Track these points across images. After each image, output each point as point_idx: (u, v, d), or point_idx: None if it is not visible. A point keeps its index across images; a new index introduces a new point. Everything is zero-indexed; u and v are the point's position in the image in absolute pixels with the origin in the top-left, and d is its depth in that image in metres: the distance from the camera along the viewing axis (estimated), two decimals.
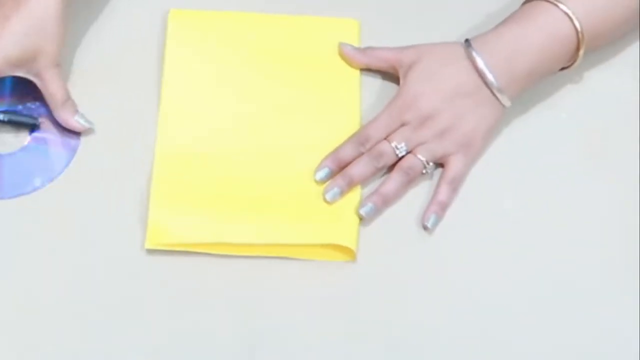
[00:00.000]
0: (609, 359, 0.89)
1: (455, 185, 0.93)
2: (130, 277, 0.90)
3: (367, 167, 0.93)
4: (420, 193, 0.95)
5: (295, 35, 1.00)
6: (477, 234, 0.93)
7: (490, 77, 0.92)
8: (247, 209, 0.92)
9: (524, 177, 0.96)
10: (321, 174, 0.93)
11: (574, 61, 0.95)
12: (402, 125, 0.93)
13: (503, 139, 0.97)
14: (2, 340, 0.88)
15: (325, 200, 0.93)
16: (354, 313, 0.90)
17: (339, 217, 0.92)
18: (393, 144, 0.92)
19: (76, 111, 0.94)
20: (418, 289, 0.91)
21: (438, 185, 0.93)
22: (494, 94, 0.93)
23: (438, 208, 0.93)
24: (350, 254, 0.91)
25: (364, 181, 0.93)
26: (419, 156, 0.93)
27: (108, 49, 0.99)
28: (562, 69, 0.96)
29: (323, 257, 0.91)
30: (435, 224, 0.93)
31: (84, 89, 0.97)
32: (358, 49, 0.98)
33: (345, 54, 0.98)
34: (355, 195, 0.93)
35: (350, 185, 0.93)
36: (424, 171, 0.93)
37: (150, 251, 0.91)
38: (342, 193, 0.93)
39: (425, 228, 0.92)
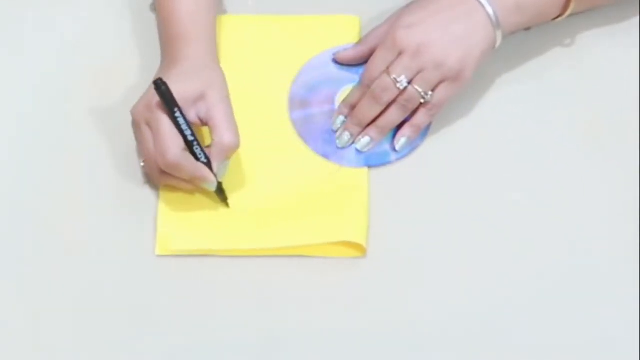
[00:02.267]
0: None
1: (435, 112, 0.95)
2: (141, 281, 0.91)
3: (373, 106, 0.95)
4: (429, 190, 0.95)
5: (296, 35, 1.00)
6: (486, 227, 0.94)
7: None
8: (255, 212, 0.93)
9: (530, 169, 0.96)
10: (338, 122, 0.96)
11: (568, 7, 0.96)
12: (400, 54, 0.93)
13: (508, 132, 0.98)
14: (13, 345, 0.89)
15: (337, 146, 0.95)
16: (365, 309, 0.91)
17: (348, 214, 0.93)
18: (393, 77, 0.93)
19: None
20: (428, 284, 0.92)
21: (417, 110, 0.94)
22: (488, 17, 0.92)
23: (411, 131, 0.95)
24: (360, 249, 0.92)
25: (371, 121, 0.95)
26: (417, 87, 0.93)
27: (114, 50, 1.00)
28: (556, 18, 0.97)
29: (333, 254, 0.92)
30: (405, 146, 0.95)
31: (91, 93, 0.98)
32: (353, 48, 0.98)
33: (346, 59, 0.99)
34: (362, 192, 0.94)
35: (360, 126, 0.95)
36: (422, 100, 0.94)
37: (161, 255, 0.92)
38: (354, 136, 0.95)
39: (394, 149, 0.95)
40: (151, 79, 0.97)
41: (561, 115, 0.98)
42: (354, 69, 0.98)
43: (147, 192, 0.94)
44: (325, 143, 0.96)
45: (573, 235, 0.93)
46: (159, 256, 0.91)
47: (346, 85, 0.98)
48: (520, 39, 0.99)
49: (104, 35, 1.01)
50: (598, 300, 0.91)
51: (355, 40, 1.00)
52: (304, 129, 0.97)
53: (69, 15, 1.02)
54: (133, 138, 0.94)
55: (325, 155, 0.96)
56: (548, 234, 0.93)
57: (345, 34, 1.01)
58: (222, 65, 0.98)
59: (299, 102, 0.98)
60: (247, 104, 0.97)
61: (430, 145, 0.97)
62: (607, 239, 0.93)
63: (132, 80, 0.99)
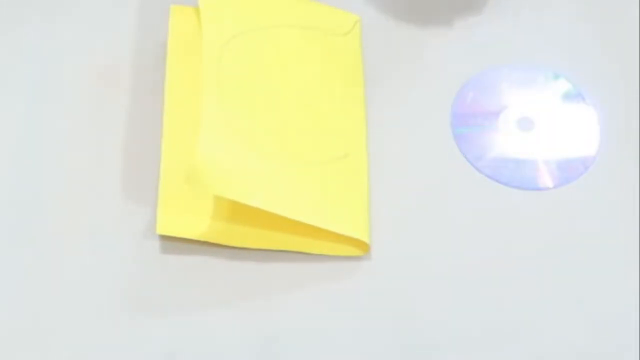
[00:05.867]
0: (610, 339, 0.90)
1: None
2: (140, 274, 0.91)
3: None
4: (432, 185, 0.95)
5: (296, 24, 1.00)
6: (488, 227, 0.93)
7: None
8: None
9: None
10: None
11: None
12: None
13: None
14: (9, 333, 0.89)
15: None
16: (370, 309, 0.90)
17: (350, 209, 0.92)
18: None
19: None
20: (434, 284, 0.91)
21: None
22: None
23: None
24: (363, 247, 0.92)
25: None
26: None
27: (113, 44, 1.00)
28: None
29: (334, 252, 0.92)
30: None
31: (90, 85, 0.98)
32: None
33: None
34: (362, 190, 0.94)
35: None
36: None
37: (162, 249, 0.92)
38: None
39: None
40: (155, 78, 0.98)
41: None
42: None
43: (149, 191, 0.94)
44: None
45: (574, 234, 0.93)
46: (159, 252, 0.91)
47: None
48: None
49: (108, 35, 1.01)
50: (599, 301, 0.91)
51: (356, 40, 1.00)
52: None
53: (72, 15, 1.02)
54: (136, 135, 0.95)
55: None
56: (550, 232, 0.93)
57: (343, 29, 1.00)
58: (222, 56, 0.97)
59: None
60: (250, 92, 0.95)
61: (431, 145, 0.97)
62: (607, 240, 0.93)
63: (135, 79, 0.99)
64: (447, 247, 0.93)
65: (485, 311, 0.90)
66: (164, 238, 0.92)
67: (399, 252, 0.92)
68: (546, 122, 0.97)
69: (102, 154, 0.95)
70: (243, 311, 0.90)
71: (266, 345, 0.89)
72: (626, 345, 0.89)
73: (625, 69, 1.00)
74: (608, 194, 0.95)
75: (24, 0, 1.02)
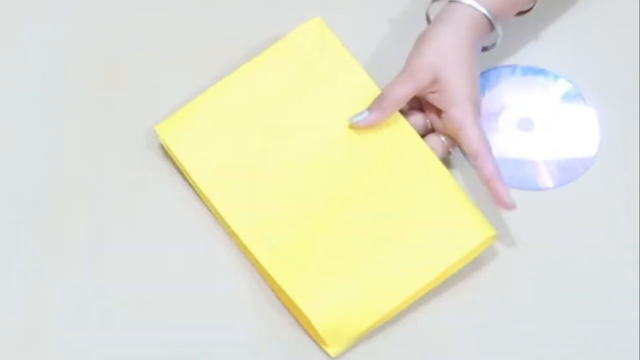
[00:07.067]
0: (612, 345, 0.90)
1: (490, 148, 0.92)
2: (140, 273, 0.91)
3: None
4: None
5: (276, 69, 0.96)
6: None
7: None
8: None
9: None
10: None
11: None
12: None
13: None
14: (9, 333, 0.89)
15: None
16: None
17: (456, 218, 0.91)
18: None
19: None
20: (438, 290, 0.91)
21: (482, 163, 0.91)
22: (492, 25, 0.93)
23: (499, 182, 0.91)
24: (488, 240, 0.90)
25: None
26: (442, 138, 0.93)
27: (113, 44, 1.00)
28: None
29: (474, 256, 0.90)
30: None
31: (90, 85, 0.98)
32: (372, 112, 0.93)
33: (365, 125, 0.94)
34: (453, 190, 0.92)
35: None
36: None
37: (162, 248, 0.92)
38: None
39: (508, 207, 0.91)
40: (155, 78, 0.98)
41: None
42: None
43: (149, 190, 0.94)
44: None
45: (574, 234, 0.93)
46: (160, 250, 0.91)
47: None
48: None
49: (108, 35, 1.01)
50: (599, 300, 0.91)
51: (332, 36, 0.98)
52: None
53: (72, 15, 1.02)
54: (136, 135, 0.95)
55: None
56: (550, 232, 0.93)
57: (317, 38, 0.97)
58: (229, 139, 0.94)
59: None
60: (271, 160, 0.94)
61: None
62: (607, 240, 0.93)
63: (135, 79, 0.99)
64: None
65: (485, 311, 0.90)
66: (164, 234, 0.92)
67: None
68: (546, 122, 0.98)
69: (102, 154, 0.95)
70: (243, 311, 0.90)
71: (266, 344, 0.89)
72: (626, 345, 0.89)
73: (625, 69, 1.00)
74: (608, 194, 0.95)
75: (24, 1, 1.02)
